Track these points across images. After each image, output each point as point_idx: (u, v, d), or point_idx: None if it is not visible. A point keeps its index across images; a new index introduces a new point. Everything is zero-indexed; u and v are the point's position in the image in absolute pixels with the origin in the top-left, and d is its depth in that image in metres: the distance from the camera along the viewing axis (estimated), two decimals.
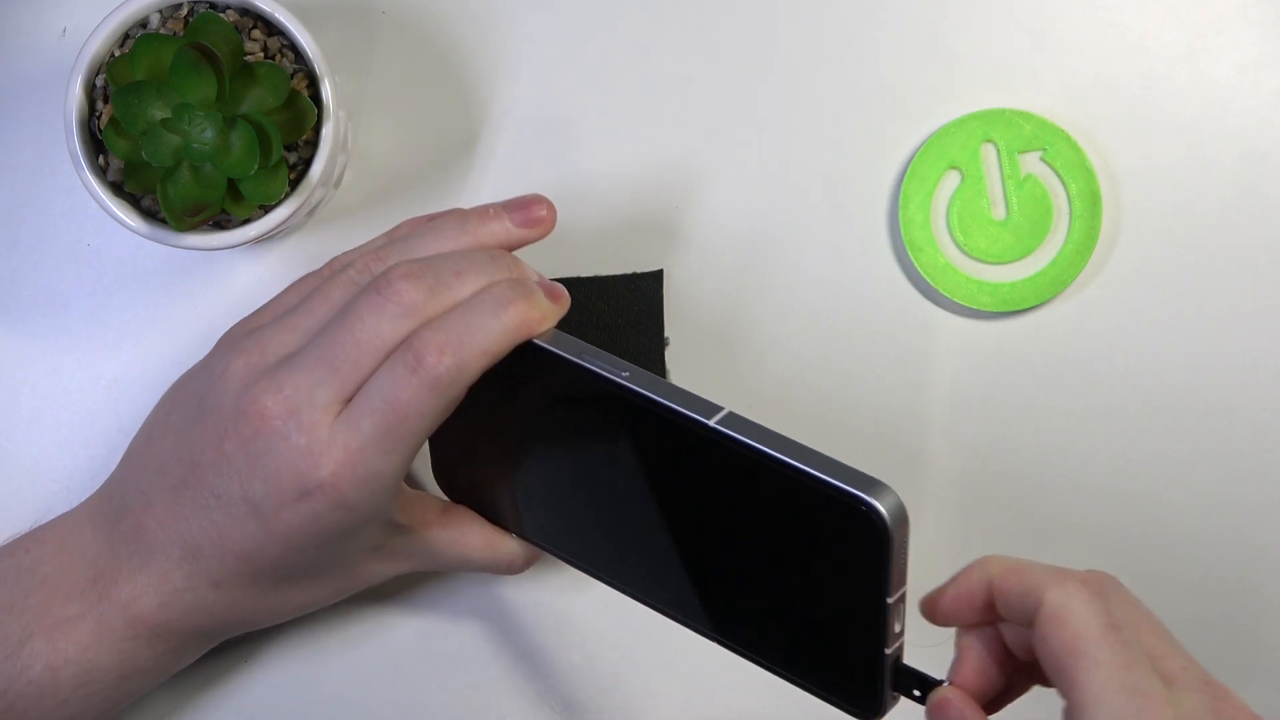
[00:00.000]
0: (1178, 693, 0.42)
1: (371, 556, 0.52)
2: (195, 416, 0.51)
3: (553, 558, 0.54)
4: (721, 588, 0.49)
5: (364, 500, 0.48)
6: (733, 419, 0.47)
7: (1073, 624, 0.41)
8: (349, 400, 0.48)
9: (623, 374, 0.49)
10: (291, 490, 0.48)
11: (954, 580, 0.45)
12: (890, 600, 0.46)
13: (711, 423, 0.47)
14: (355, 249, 0.54)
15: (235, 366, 0.50)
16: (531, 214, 0.52)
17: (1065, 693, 0.41)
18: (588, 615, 0.59)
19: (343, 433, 0.48)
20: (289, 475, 0.48)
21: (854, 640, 0.47)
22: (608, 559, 0.52)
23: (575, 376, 0.49)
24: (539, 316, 0.49)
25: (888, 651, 0.47)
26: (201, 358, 0.53)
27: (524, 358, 0.49)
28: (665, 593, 0.51)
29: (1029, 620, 0.43)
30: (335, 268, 0.53)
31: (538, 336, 0.50)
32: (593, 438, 0.50)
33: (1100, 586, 0.43)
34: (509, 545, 0.54)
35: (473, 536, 0.53)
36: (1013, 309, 0.58)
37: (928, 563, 0.59)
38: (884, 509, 0.45)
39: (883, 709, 0.48)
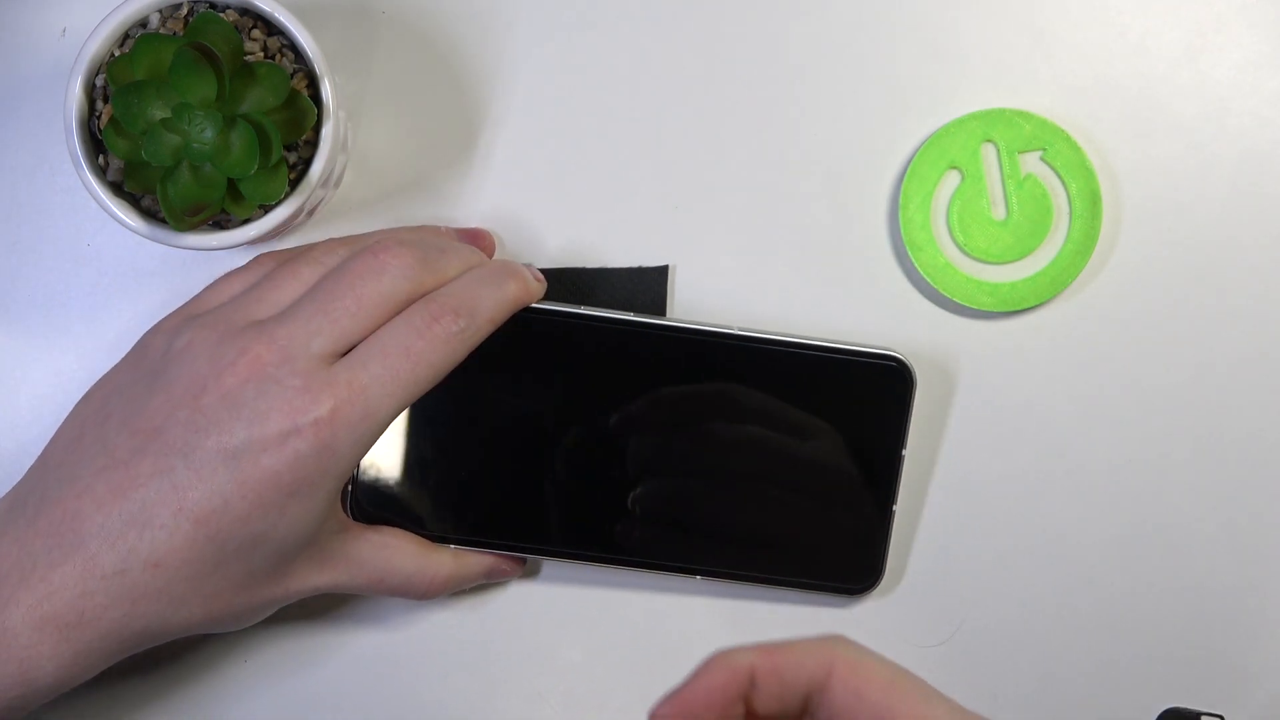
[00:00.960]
0: None
1: (305, 556, 0.50)
2: (150, 390, 0.49)
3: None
4: (723, 508, 0.55)
5: (348, 447, 0.47)
6: (743, 330, 0.55)
7: (883, 671, 0.39)
8: (342, 355, 0.49)
9: (629, 315, 0.55)
10: (279, 429, 0.47)
11: (696, 677, 0.40)
12: (904, 452, 0.55)
13: (735, 330, 0.55)
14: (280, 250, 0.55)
15: (199, 338, 0.49)
16: (479, 240, 0.56)
17: None
18: (587, 614, 0.59)
19: (346, 371, 0.48)
20: (280, 413, 0.47)
21: (864, 505, 0.55)
22: (574, 530, 0.56)
23: (579, 330, 0.55)
24: (531, 291, 0.54)
25: (895, 508, 0.56)
26: (117, 363, 0.52)
27: (513, 327, 0.53)
28: (649, 539, 0.56)
29: (804, 696, 0.39)
30: (282, 258, 0.53)
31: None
32: (593, 392, 0.55)
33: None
34: (439, 556, 0.54)
35: (404, 542, 0.53)
36: (1013, 309, 0.58)
37: (925, 559, 0.59)
38: (906, 359, 0.55)
39: (883, 572, 0.56)
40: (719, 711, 0.40)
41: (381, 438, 0.50)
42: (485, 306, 0.51)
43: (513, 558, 0.57)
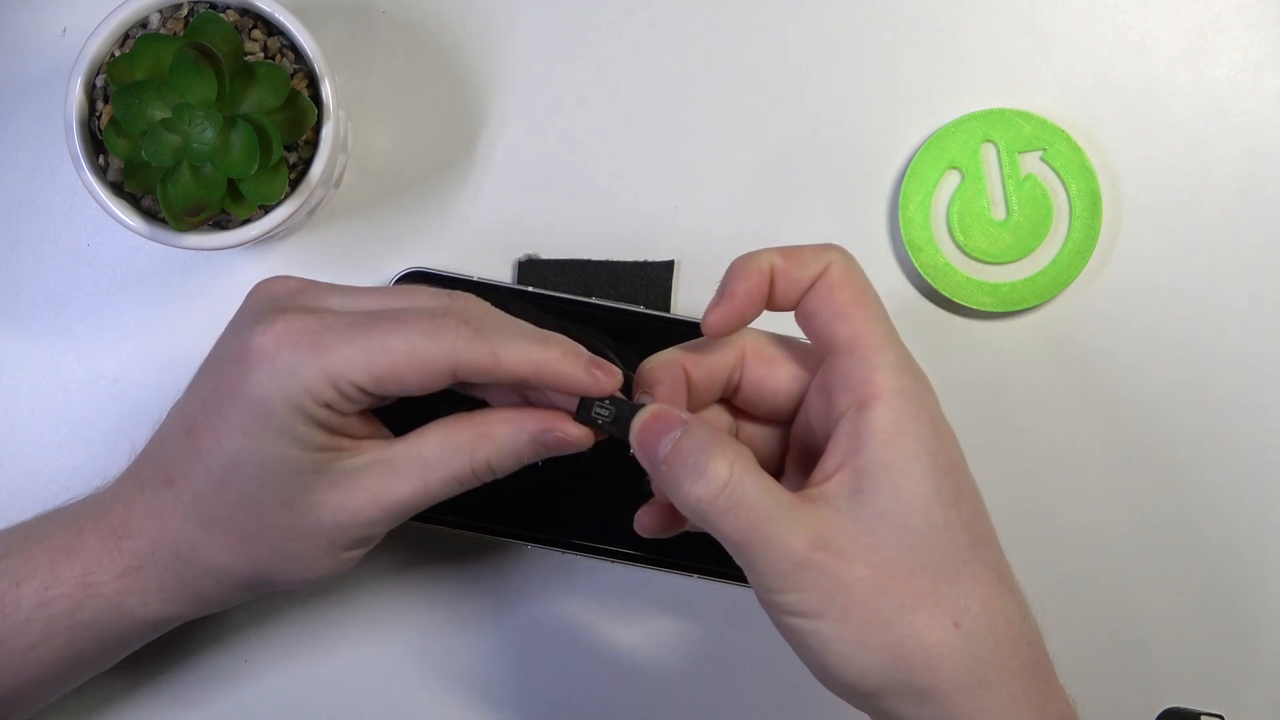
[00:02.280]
0: None
1: (326, 483, 0.48)
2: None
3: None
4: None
5: (288, 368, 0.46)
6: (750, 328, 0.53)
7: (860, 285, 0.46)
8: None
9: (637, 307, 0.56)
10: (236, 348, 0.47)
11: (733, 282, 0.46)
12: None
13: None
14: None
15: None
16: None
17: (844, 355, 0.45)
18: (586, 614, 0.59)
19: (317, 310, 0.47)
20: (242, 336, 0.47)
21: None
22: (582, 523, 0.56)
23: (587, 319, 0.54)
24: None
25: None
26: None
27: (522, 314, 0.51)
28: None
29: (803, 291, 0.46)
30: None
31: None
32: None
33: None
34: (462, 433, 0.49)
35: (433, 430, 0.49)
36: (1013, 309, 0.58)
37: None
38: None
39: None
40: (757, 311, 0.47)
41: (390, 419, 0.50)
42: (503, 349, 0.46)
43: (567, 429, 0.49)
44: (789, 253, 0.46)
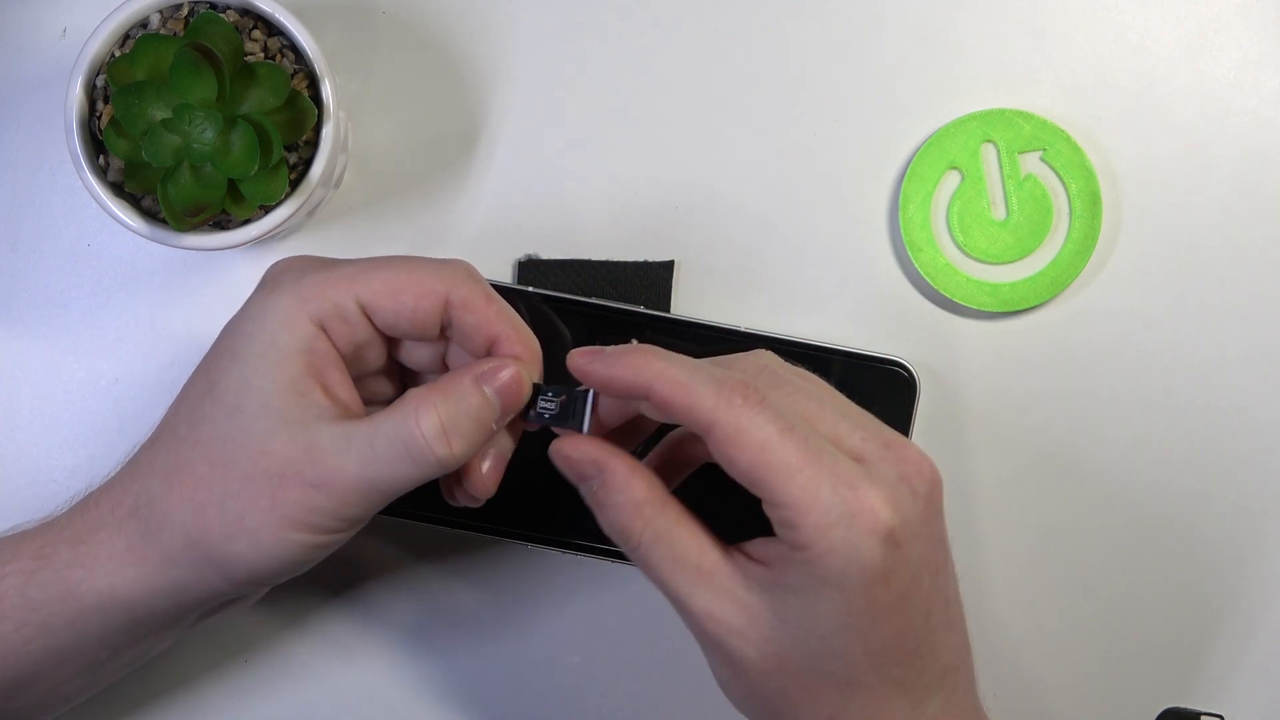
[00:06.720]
0: (870, 467, 0.44)
1: (287, 436, 0.47)
2: None
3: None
4: (727, 499, 0.51)
5: (288, 295, 0.47)
6: (750, 329, 0.57)
7: (750, 444, 0.43)
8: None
9: (638, 307, 0.57)
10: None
11: (610, 366, 0.46)
12: None
13: (742, 328, 0.57)
14: None
15: None
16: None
17: (772, 506, 0.43)
18: (586, 613, 0.59)
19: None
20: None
21: None
22: (578, 520, 0.56)
23: (589, 320, 0.55)
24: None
25: None
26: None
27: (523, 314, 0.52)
28: None
29: (692, 434, 0.45)
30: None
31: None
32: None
33: (759, 385, 0.44)
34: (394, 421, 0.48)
35: (384, 413, 0.48)
36: (1013, 309, 0.58)
37: None
38: (911, 366, 0.56)
39: None
40: (622, 414, 0.48)
41: None
42: (496, 297, 0.49)
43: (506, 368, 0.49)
44: (676, 389, 0.45)
